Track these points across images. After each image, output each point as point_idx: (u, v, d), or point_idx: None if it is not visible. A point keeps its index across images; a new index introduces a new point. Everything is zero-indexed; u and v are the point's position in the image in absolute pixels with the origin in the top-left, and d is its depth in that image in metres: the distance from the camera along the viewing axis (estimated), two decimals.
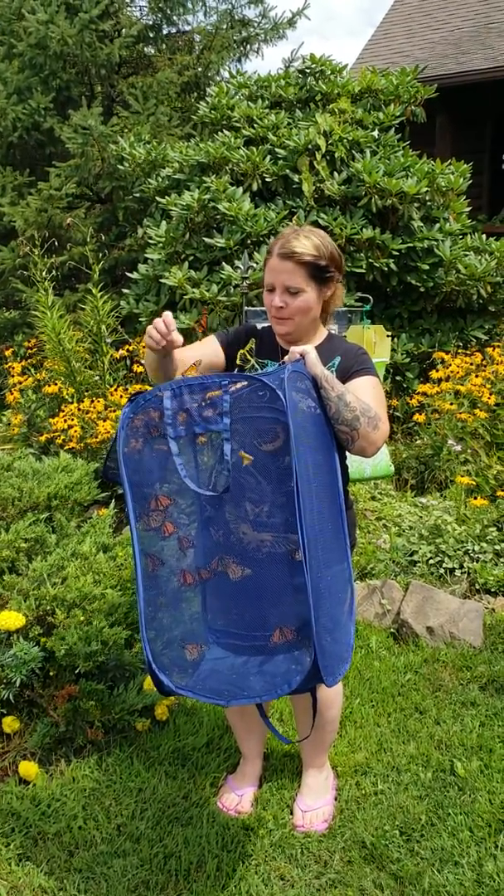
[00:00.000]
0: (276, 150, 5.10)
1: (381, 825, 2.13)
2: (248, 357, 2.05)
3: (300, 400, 1.71)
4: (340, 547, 1.78)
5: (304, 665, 1.58)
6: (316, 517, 1.68)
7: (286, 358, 1.78)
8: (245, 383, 1.66)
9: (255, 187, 5.08)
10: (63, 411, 4.60)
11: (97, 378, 4.96)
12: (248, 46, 8.21)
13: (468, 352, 5.02)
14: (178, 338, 1.79)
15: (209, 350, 2.05)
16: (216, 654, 1.76)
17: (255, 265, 4.57)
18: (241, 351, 2.05)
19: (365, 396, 1.86)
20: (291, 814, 2.19)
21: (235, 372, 2.05)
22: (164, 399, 1.69)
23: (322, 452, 1.76)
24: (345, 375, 1.93)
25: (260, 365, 2.03)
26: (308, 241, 1.91)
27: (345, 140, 5.04)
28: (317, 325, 2.02)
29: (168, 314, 1.78)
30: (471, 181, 5.27)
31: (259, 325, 2.15)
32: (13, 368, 5.56)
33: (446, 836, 2.09)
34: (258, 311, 4.14)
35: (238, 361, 2.05)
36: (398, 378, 5.03)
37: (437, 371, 4.69)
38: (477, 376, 4.63)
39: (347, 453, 2.01)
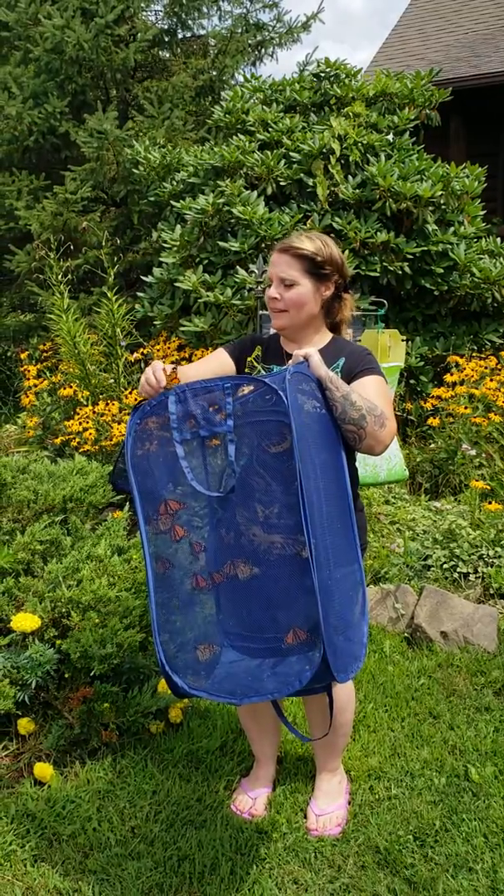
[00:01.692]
0: (291, 153, 5.11)
1: (395, 830, 2.13)
2: (255, 364, 2.08)
3: (305, 401, 1.72)
4: (350, 547, 1.79)
5: (315, 662, 1.58)
6: (325, 517, 1.69)
7: (290, 361, 1.80)
8: (252, 387, 1.67)
9: (269, 191, 5.09)
10: (78, 414, 4.63)
11: (112, 381, 4.98)
12: (263, 50, 8.22)
13: (483, 355, 5.01)
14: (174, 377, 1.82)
15: (217, 364, 2.08)
16: (231, 657, 1.77)
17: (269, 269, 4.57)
18: (248, 359, 2.08)
19: (370, 395, 1.87)
20: (305, 817, 2.19)
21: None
22: (170, 404, 1.72)
23: (328, 452, 1.77)
24: (349, 376, 1.94)
25: (266, 370, 2.05)
26: (309, 241, 1.98)
27: (359, 144, 5.04)
28: (318, 326, 2.04)
29: (157, 364, 1.80)
30: (485, 184, 5.26)
31: (264, 334, 2.18)
32: (29, 371, 5.60)
33: (460, 842, 2.09)
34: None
35: (246, 369, 2.08)
36: (412, 382, 5.02)
37: (452, 375, 4.68)
38: (492, 380, 4.62)
39: (357, 455, 2.02)
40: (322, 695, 1.92)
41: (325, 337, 2.06)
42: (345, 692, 2.14)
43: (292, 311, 1.98)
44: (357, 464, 2.10)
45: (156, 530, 1.75)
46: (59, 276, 5.04)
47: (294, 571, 1.64)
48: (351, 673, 1.71)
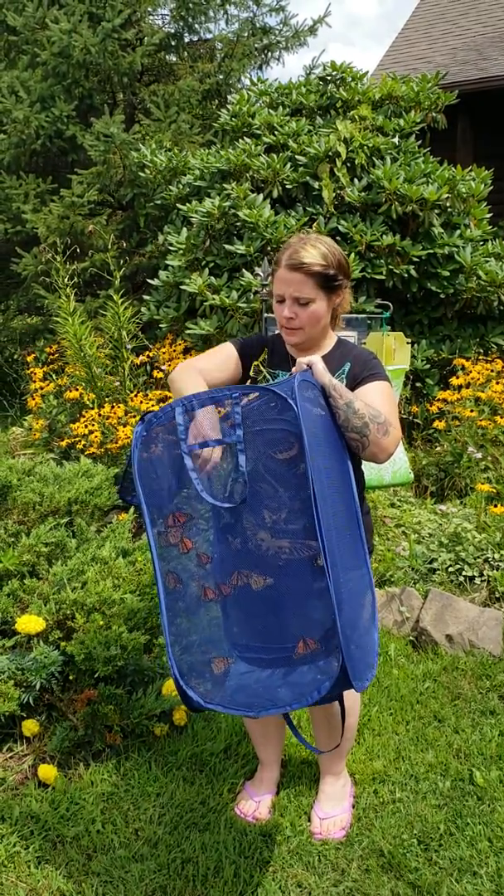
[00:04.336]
0: (297, 157, 5.12)
1: (399, 834, 2.13)
2: (261, 368, 2.07)
3: (311, 409, 1.71)
4: (358, 552, 1.78)
5: (333, 671, 1.57)
6: (332, 522, 1.68)
7: (294, 369, 1.79)
8: (257, 395, 1.67)
9: (275, 194, 5.10)
10: (84, 416, 4.64)
11: (118, 384, 4.99)
12: (270, 54, 8.25)
13: (489, 358, 5.00)
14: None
15: (223, 358, 2.06)
16: (241, 669, 1.75)
17: None
18: (255, 363, 2.07)
19: (375, 402, 1.85)
20: (309, 821, 2.19)
21: (249, 383, 2.06)
22: (177, 415, 1.70)
23: (334, 458, 1.76)
24: (355, 381, 1.93)
25: (271, 375, 2.05)
26: (315, 251, 1.91)
27: (365, 147, 5.04)
28: (326, 333, 2.03)
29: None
30: (492, 187, 5.26)
31: (270, 334, 2.15)
32: (35, 374, 5.62)
33: (465, 846, 2.08)
34: None
35: (251, 373, 2.07)
36: (418, 384, 5.01)
37: (458, 378, 4.67)
38: (498, 383, 4.61)
39: (364, 460, 2.01)
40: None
41: (331, 340, 2.05)
42: (350, 696, 2.13)
43: (308, 328, 1.95)
44: (363, 466, 2.09)
45: (165, 543, 1.74)
46: (66, 279, 5.06)
47: (304, 576, 1.64)
48: (367, 680, 1.68)
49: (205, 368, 1.99)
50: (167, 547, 1.73)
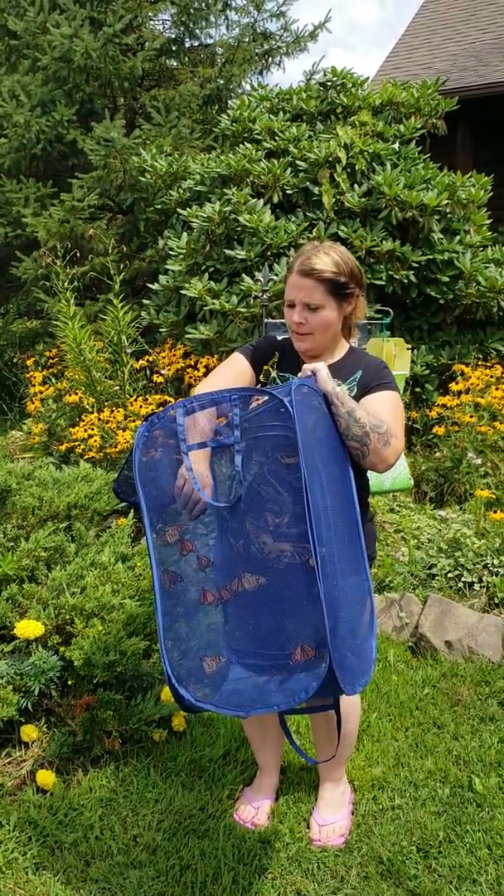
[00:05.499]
0: (297, 162, 5.12)
1: (398, 841, 2.12)
2: (270, 370, 2.07)
3: (314, 415, 1.72)
4: (357, 558, 1.79)
5: (321, 672, 1.58)
6: (332, 528, 1.69)
7: (299, 374, 1.81)
8: (266, 398, 1.68)
9: (275, 199, 5.11)
10: (83, 421, 4.64)
11: (117, 388, 4.99)
12: (270, 59, 8.27)
13: (488, 364, 5.01)
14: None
15: (235, 374, 2.05)
16: (238, 674, 1.75)
17: (275, 277, 4.59)
18: (265, 367, 2.08)
19: (381, 411, 1.86)
20: (308, 827, 2.18)
21: (258, 387, 2.07)
22: (177, 416, 1.72)
23: (335, 464, 1.77)
24: (365, 389, 1.94)
25: (281, 379, 2.05)
26: (328, 258, 1.92)
27: (365, 152, 5.05)
28: (338, 340, 2.03)
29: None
30: (492, 193, 5.27)
31: (279, 337, 2.16)
32: (34, 378, 5.62)
33: (464, 854, 2.08)
34: (278, 323, 4.15)
35: (261, 377, 2.08)
36: (418, 390, 5.02)
37: (457, 383, 4.68)
38: (497, 389, 4.61)
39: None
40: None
41: (343, 348, 2.05)
42: (349, 702, 2.13)
43: (317, 334, 1.95)
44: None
45: (163, 542, 1.74)
46: (66, 283, 5.06)
47: (302, 580, 1.64)
48: (358, 687, 1.69)
49: (215, 381, 1.99)
50: (166, 547, 1.73)
